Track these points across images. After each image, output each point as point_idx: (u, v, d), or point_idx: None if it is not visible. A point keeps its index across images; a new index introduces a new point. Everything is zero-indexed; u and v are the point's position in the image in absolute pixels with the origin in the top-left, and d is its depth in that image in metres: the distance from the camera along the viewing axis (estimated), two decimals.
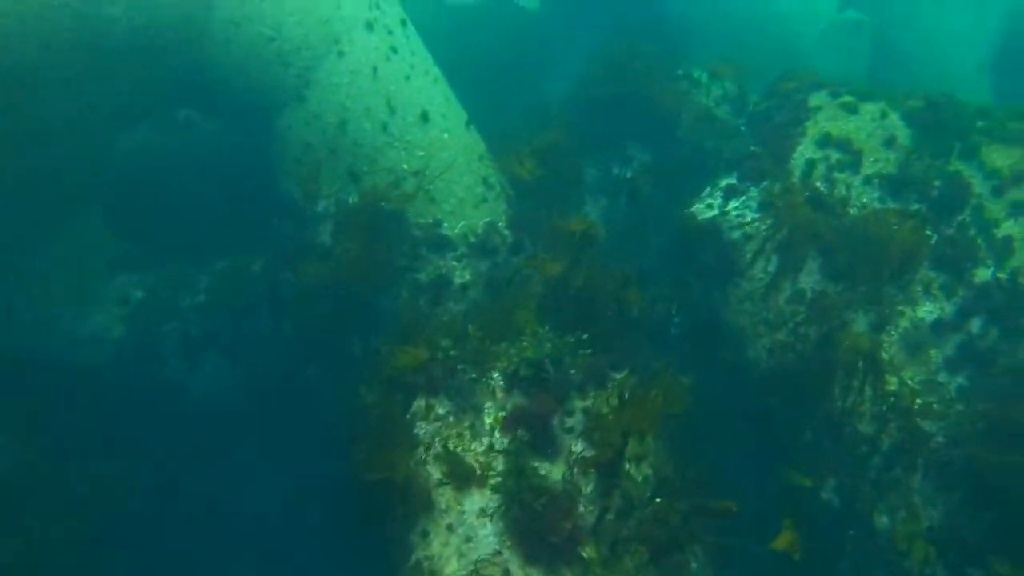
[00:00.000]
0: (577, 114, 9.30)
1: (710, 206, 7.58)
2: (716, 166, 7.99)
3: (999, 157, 7.34)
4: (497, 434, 5.04)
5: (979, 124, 7.54)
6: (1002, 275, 6.82)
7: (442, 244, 7.15)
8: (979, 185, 7.22)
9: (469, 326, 5.62)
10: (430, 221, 7.24)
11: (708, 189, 7.85)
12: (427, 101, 7.68)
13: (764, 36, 11.81)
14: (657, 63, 9.27)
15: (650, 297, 8.46)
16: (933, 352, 6.55)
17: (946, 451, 6.13)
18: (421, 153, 7.40)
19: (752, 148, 7.89)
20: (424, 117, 7.54)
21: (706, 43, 12.40)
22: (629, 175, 9.11)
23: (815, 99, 8.07)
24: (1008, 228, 7.04)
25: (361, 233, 7.08)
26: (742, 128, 9.47)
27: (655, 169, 9.16)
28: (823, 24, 11.41)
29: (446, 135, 7.61)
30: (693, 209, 7.71)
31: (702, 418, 6.95)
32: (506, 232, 7.44)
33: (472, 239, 7.25)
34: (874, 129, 7.47)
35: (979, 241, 7.00)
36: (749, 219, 7.11)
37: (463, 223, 7.33)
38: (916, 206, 7.14)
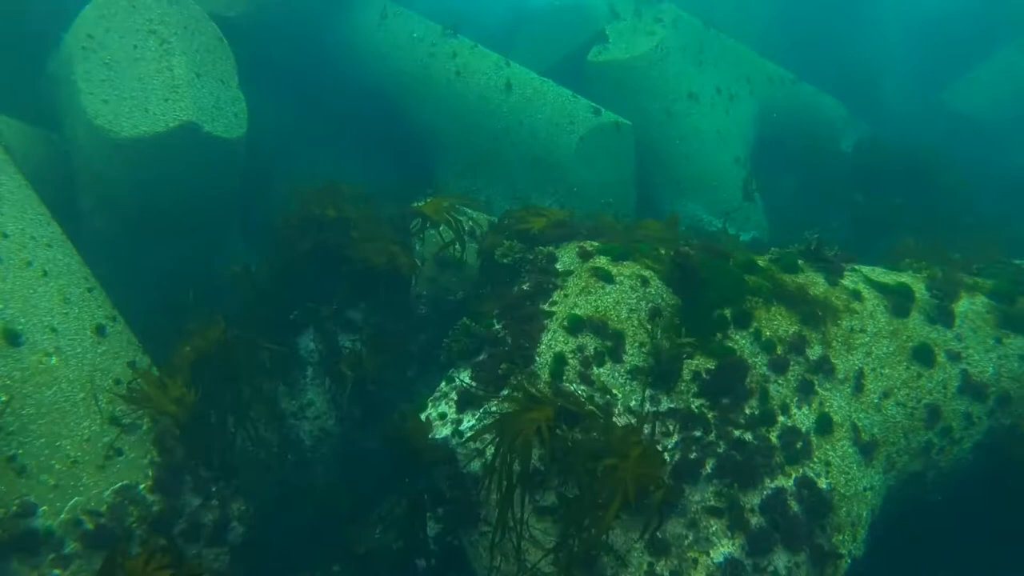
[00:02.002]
0: (276, 277, 7.20)
1: (443, 416, 5.71)
2: (450, 351, 6.14)
3: (780, 322, 6.11)
4: None
5: (749, 280, 6.31)
6: (796, 488, 5.47)
7: (34, 542, 4.69)
8: (761, 364, 5.92)
9: None
10: (14, 509, 4.75)
11: (443, 386, 6.00)
12: (22, 310, 5.26)
13: (521, 148, 10.42)
14: (368, 202, 7.38)
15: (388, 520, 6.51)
16: None
17: None
18: (3, 397, 4.94)
19: (495, 326, 6.14)
20: (12, 337, 5.11)
21: (459, 160, 10.87)
22: (349, 349, 7.11)
23: (564, 256, 6.52)
24: (801, 418, 5.76)
25: None
26: None
27: (381, 338, 7.20)
28: (581, 131, 10.15)
29: (54, 360, 5.20)
30: (426, 415, 5.82)
31: None
32: (152, 498, 5.10)
33: (90, 525, 4.85)
34: (636, 302, 5.99)
35: (773, 438, 5.65)
36: (488, 450, 5.30)
37: (76, 500, 4.89)
38: (697, 401, 5.69)
